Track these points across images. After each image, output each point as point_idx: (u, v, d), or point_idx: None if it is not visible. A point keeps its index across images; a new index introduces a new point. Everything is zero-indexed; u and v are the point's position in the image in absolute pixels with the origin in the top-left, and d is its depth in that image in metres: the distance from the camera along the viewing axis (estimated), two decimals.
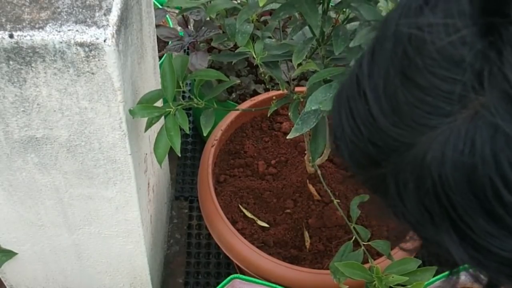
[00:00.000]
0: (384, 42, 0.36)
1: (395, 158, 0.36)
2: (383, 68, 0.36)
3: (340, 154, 0.41)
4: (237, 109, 1.24)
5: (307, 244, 1.20)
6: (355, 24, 0.89)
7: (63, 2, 0.73)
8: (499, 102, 0.30)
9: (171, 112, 0.88)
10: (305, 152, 1.24)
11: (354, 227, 1.00)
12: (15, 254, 1.11)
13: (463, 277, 1.15)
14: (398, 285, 0.89)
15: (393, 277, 0.88)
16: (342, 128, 0.39)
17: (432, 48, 0.32)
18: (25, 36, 0.70)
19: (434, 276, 0.95)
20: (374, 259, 1.01)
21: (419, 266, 0.91)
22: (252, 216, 1.23)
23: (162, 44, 1.49)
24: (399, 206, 0.37)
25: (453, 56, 0.32)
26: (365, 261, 0.96)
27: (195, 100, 0.93)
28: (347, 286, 0.95)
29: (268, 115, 1.08)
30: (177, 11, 1.56)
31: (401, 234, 0.44)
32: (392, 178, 0.37)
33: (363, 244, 0.98)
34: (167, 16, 1.60)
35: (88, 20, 0.71)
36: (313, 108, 0.75)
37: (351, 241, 0.98)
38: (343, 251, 0.97)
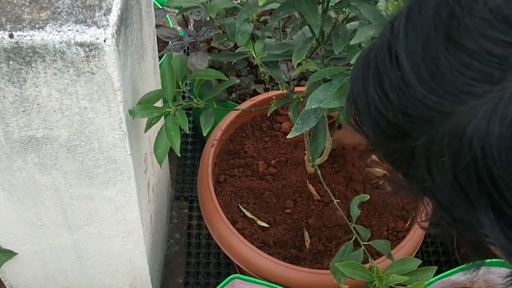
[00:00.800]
0: (425, 2, 0.33)
1: (428, 128, 0.33)
2: (423, 31, 0.33)
3: (361, 125, 0.38)
4: (237, 109, 1.24)
5: (307, 244, 1.20)
6: (355, 23, 0.89)
7: (63, 2, 0.73)
8: None
9: (170, 112, 0.88)
10: (305, 152, 1.24)
11: (354, 227, 1.00)
12: (15, 254, 1.10)
13: (462, 277, 1.15)
14: (398, 285, 0.89)
15: (393, 277, 0.88)
16: (366, 96, 0.36)
17: (485, 8, 0.30)
18: (25, 36, 0.70)
19: (434, 275, 0.95)
20: (374, 259, 1.01)
21: (419, 266, 0.91)
22: (252, 216, 1.23)
23: (162, 44, 1.49)
24: (427, 182, 0.34)
25: (508, 17, 0.29)
26: (365, 261, 0.96)
27: (195, 100, 0.93)
28: (347, 286, 0.95)
29: (268, 115, 1.08)
30: (177, 11, 1.56)
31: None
32: (422, 151, 0.34)
33: (363, 244, 0.98)
34: (167, 16, 1.60)
35: (88, 20, 0.71)
36: (313, 106, 0.75)
37: (351, 241, 0.98)
38: (343, 251, 0.97)
